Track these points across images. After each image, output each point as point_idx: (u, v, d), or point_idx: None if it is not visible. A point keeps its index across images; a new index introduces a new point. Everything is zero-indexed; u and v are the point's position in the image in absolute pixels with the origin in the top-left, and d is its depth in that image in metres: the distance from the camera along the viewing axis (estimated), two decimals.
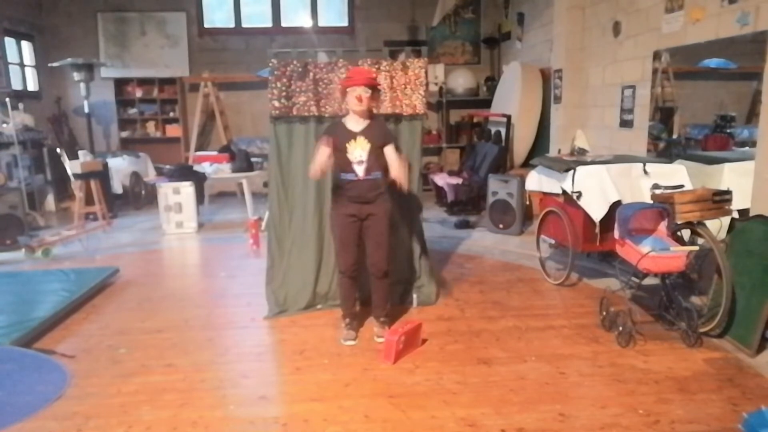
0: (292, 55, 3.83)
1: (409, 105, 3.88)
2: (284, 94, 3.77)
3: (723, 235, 3.55)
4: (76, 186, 6.61)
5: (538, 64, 7.24)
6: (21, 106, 7.53)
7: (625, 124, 5.35)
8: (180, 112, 8.90)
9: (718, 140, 4.32)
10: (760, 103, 3.52)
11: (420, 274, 4.08)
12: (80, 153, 6.69)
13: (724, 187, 3.52)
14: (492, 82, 8.86)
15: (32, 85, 8.54)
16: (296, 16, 9.10)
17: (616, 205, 3.73)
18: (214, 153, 7.49)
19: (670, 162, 4.28)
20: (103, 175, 6.91)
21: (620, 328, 3.28)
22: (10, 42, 7.95)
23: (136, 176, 7.99)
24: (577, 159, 4.41)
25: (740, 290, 3.25)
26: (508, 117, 7.19)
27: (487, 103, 8.50)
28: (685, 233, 3.56)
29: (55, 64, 7.83)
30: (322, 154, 3.26)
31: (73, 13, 8.72)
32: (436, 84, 8.57)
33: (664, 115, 4.87)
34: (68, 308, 3.92)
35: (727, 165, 3.90)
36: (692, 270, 3.46)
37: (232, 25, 9.03)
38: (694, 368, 2.98)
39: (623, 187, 3.92)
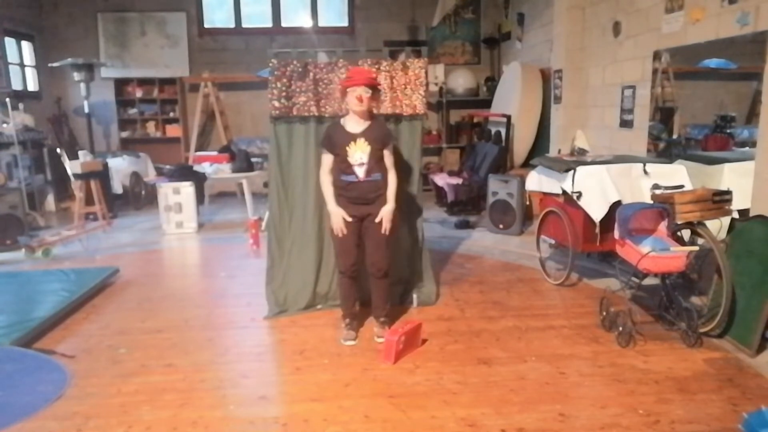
0: (292, 55, 3.83)
1: (409, 105, 3.88)
2: (284, 94, 3.77)
3: (723, 235, 3.55)
4: (76, 186, 6.61)
5: (538, 64, 7.24)
6: (21, 106, 7.53)
7: (625, 124, 5.35)
8: (180, 112, 8.90)
9: (718, 140, 4.32)
10: (760, 103, 3.52)
11: (420, 274, 4.08)
12: (80, 153, 6.69)
13: (724, 187, 3.52)
14: (492, 82, 8.86)
15: (32, 85, 8.54)
16: (296, 16, 9.10)
17: (616, 205, 3.73)
18: (214, 153, 7.48)
19: (670, 162, 4.28)
20: (103, 175, 6.91)
21: (620, 328, 3.28)
22: (10, 42, 7.95)
23: (136, 176, 7.99)
24: (577, 159, 4.41)
25: (740, 290, 3.25)
26: (508, 117, 7.19)
27: (487, 103, 8.50)
28: (685, 233, 3.56)
29: (55, 64, 7.83)
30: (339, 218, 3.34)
31: (73, 13, 8.72)
32: (436, 84, 8.58)
33: (664, 115, 4.87)
34: (68, 308, 3.92)
35: (727, 165, 3.90)
36: (692, 270, 3.46)
37: (232, 25, 9.03)
38: (694, 368, 2.98)
39: (623, 187, 3.92)
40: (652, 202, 3.51)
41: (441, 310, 3.92)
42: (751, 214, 3.53)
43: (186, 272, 5.28)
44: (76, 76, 7.55)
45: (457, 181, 7.17)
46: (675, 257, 3.16)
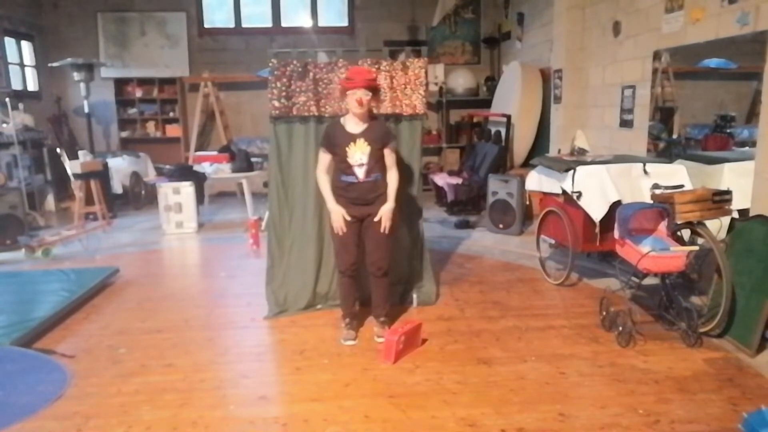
0: (292, 55, 3.82)
1: (409, 105, 3.88)
2: (284, 94, 3.77)
3: (723, 235, 3.55)
4: (76, 186, 6.61)
5: (538, 64, 7.24)
6: (21, 106, 7.54)
7: (625, 124, 5.35)
8: (180, 112, 8.90)
9: (718, 140, 4.32)
10: (760, 103, 3.52)
11: (420, 274, 4.08)
12: (80, 153, 6.69)
13: (724, 187, 3.52)
14: (492, 82, 8.86)
15: (32, 85, 8.54)
16: (296, 16, 9.10)
17: (616, 205, 3.73)
18: (214, 153, 7.48)
19: (670, 162, 4.28)
20: (103, 175, 6.91)
21: (620, 328, 3.28)
22: (10, 42, 7.95)
23: (136, 176, 7.99)
24: (577, 159, 4.41)
25: (740, 290, 3.25)
26: (508, 117, 7.19)
27: (487, 103, 8.50)
28: (685, 233, 3.56)
29: (55, 64, 7.83)
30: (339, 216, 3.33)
31: (73, 13, 8.72)
32: (436, 84, 8.58)
33: (664, 115, 4.87)
34: (68, 308, 3.92)
35: (727, 165, 3.90)
36: (692, 270, 3.47)
37: (232, 25, 9.03)
38: (694, 368, 2.98)
39: (623, 187, 3.92)
40: (652, 201, 3.51)
41: (441, 310, 3.92)
42: (751, 213, 3.53)
43: (186, 272, 5.28)
44: (76, 76, 7.55)
45: (457, 181, 7.16)
46: (675, 257, 3.16)
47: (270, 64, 3.75)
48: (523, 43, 7.91)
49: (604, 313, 3.52)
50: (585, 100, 6.15)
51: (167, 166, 7.02)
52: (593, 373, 2.97)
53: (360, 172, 3.28)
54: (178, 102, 8.88)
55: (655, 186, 3.60)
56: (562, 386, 2.84)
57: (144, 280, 4.76)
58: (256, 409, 2.69)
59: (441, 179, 7.45)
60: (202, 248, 5.99)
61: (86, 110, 7.81)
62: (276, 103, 3.77)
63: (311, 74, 3.77)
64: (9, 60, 7.79)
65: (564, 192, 4.25)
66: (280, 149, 3.85)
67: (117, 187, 7.64)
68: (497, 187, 6.12)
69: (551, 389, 2.81)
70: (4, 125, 6.88)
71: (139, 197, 8.00)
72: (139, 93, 8.89)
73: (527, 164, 6.64)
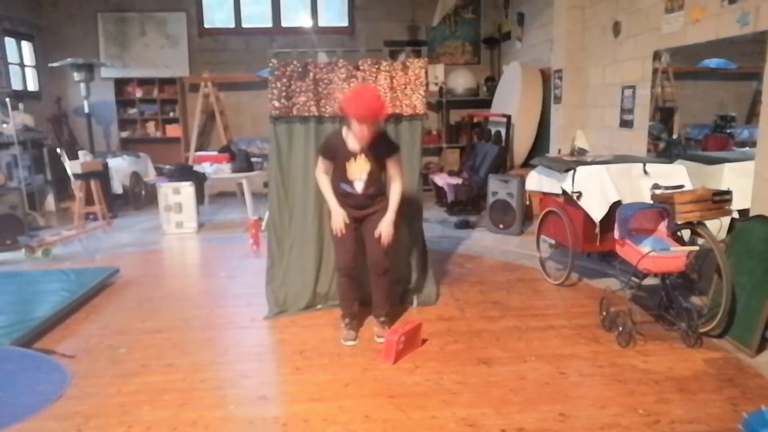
0: (292, 55, 3.83)
1: (409, 105, 3.88)
2: (284, 94, 3.77)
3: (723, 235, 3.55)
4: (76, 186, 6.61)
5: (538, 64, 7.24)
6: (21, 106, 7.53)
7: (625, 124, 5.35)
8: (180, 112, 8.90)
9: (718, 140, 4.32)
10: (760, 103, 3.52)
11: (420, 274, 4.08)
12: (80, 153, 6.69)
13: (724, 187, 3.52)
14: (492, 82, 8.86)
15: (32, 85, 8.54)
16: (296, 16, 9.10)
17: (616, 205, 3.73)
18: (214, 153, 7.49)
19: (670, 162, 4.28)
20: (103, 175, 6.91)
21: (620, 328, 3.28)
22: (10, 42, 7.95)
23: (136, 176, 7.99)
24: (577, 159, 4.41)
25: (740, 290, 3.25)
26: (508, 117, 7.19)
27: (487, 103, 8.50)
28: (685, 233, 3.56)
29: (55, 64, 7.83)
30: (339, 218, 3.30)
31: (73, 13, 8.72)
32: (436, 84, 8.58)
33: (664, 115, 4.87)
34: (68, 308, 3.92)
35: (727, 165, 3.90)
36: (692, 270, 3.46)
37: (232, 25, 9.03)
38: (694, 368, 2.98)
39: (623, 187, 3.92)
40: (652, 202, 3.51)
41: (441, 310, 3.92)
42: (751, 214, 3.53)
43: (186, 272, 5.28)
44: (76, 76, 7.55)
45: (457, 181, 7.17)
46: (675, 257, 3.16)
47: (270, 64, 3.75)
48: (523, 43, 7.91)
49: (604, 313, 3.52)
50: (585, 100, 6.15)
51: (167, 166, 7.01)
52: (593, 373, 2.97)
53: (359, 186, 3.27)
54: (178, 102, 8.88)
55: (655, 186, 3.60)
56: (562, 386, 2.84)
57: (144, 280, 4.76)
58: (256, 409, 2.69)
59: (441, 179, 7.45)
60: (202, 248, 5.99)
61: (86, 110, 7.81)
62: (276, 103, 3.77)
63: (311, 74, 3.77)
64: (9, 60, 7.78)
65: (564, 192, 4.25)
66: (280, 149, 3.85)
67: (117, 187, 7.64)
68: (497, 187, 6.12)
69: (551, 389, 2.81)
70: (5, 125, 6.88)
71: (139, 197, 8.00)
72: (139, 93, 8.89)
73: (527, 164, 6.64)
